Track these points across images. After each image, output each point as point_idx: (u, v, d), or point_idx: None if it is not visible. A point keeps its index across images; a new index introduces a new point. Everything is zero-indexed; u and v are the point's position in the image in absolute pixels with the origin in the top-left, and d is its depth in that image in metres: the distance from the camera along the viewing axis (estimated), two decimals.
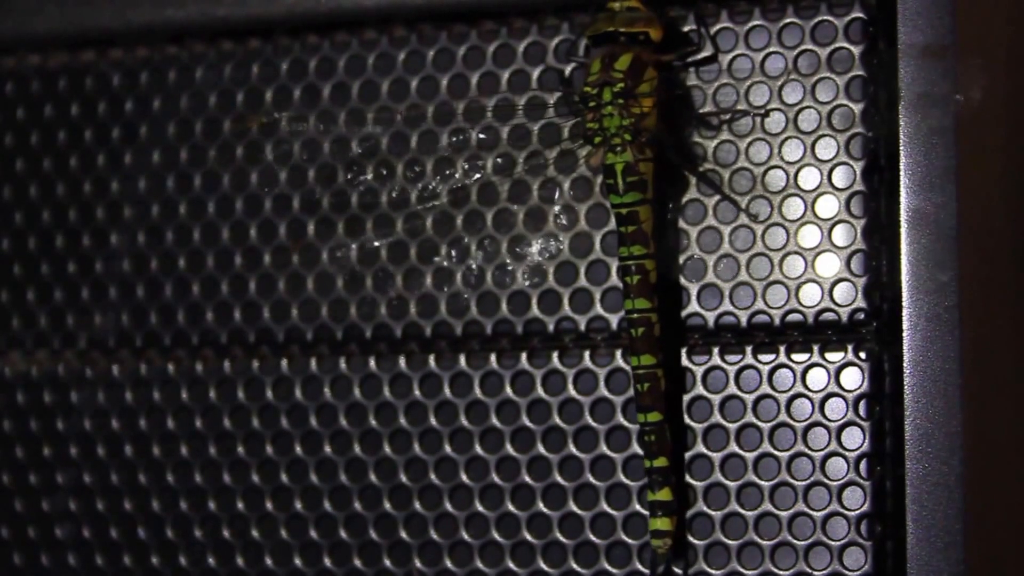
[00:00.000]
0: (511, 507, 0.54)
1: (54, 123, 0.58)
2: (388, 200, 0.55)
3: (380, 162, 0.55)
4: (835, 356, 0.51)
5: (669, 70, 0.52)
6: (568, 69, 0.54)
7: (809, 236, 0.52)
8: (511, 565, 0.54)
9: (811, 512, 0.51)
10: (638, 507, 0.53)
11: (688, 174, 0.52)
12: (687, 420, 0.52)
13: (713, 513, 0.52)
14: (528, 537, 0.54)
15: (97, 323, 0.58)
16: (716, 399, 0.52)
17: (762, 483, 0.52)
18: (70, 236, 0.58)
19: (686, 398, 0.52)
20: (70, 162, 0.58)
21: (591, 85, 0.51)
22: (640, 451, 0.52)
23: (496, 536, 0.54)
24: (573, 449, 0.53)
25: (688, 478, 0.52)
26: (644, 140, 0.51)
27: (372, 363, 0.55)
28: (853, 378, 0.51)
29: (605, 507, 0.53)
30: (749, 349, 0.52)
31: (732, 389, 0.52)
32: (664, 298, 0.52)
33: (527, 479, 0.54)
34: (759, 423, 0.52)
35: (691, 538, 0.52)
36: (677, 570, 0.52)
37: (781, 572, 0.51)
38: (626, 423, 0.53)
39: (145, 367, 0.57)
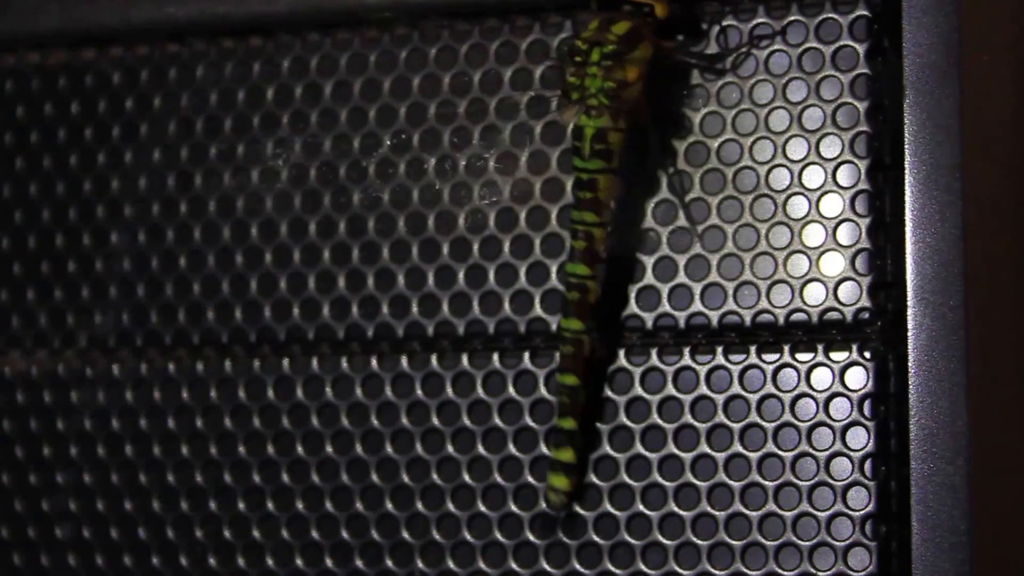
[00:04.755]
0: (513, 507, 0.54)
1: (54, 121, 0.58)
2: (390, 198, 0.55)
3: (382, 160, 0.55)
4: (839, 356, 0.51)
5: (665, 57, 0.51)
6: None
7: (813, 235, 0.51)
8: (513, 566, 0.54)
9: (815, 512, 0.51)
10: (641, 507, 0.53)
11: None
12: (691, 420, 0.52)
13: (717, 514, 0.52)
14: (531, 538, 0.54)
15: (97, 322, 0.58)
16: (720, 399, 0.52)
17: (766, 483, 0.51)
18: (70, 235, 0.58)
19: (689, 398, 0.52)
20: (70, 160, 0.58)
21: (583, 41, 0.50)
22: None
23: (499, 536, 0.54)
24: None
25: (692, 478, 0.52)
26: (621, 108, 0.50)
27: (374, 362, 0.55)
28: (858, 378, 0.51)
29: (608, 507, 0.53)
30: (753, 348, 0.52)
31: (736, 389, 0.52)
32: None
33: (530, 479, 0.54)
34: (763, 423, 0.52)
35: (695, 539, 0.52)
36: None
37: (785, 573, 0.51)
38: (629, 423, 0.53)
39: (145, 367, 0.57)
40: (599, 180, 0.50)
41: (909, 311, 0.50)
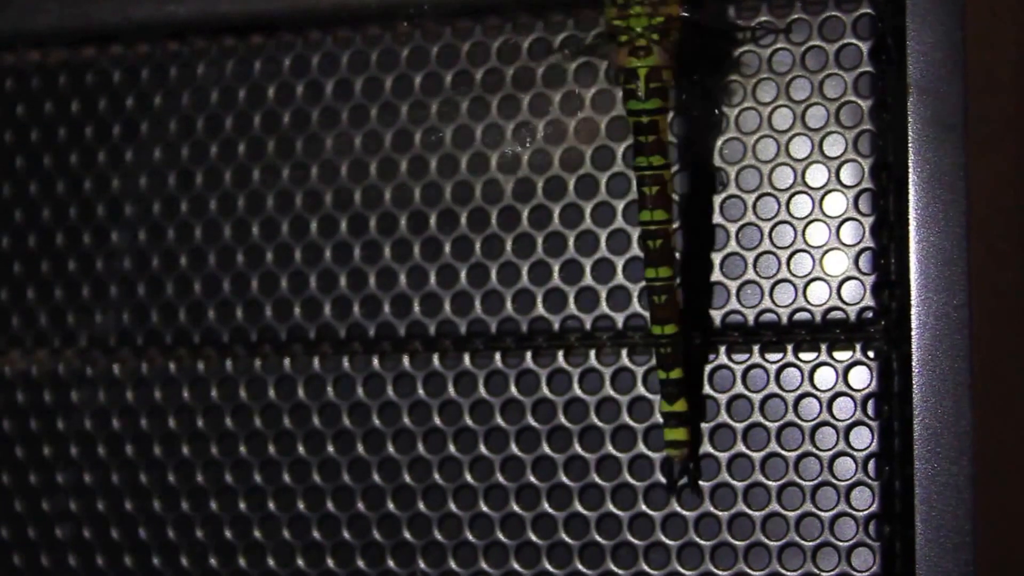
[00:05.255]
0: (516, 507, 0.53)
1: (54, 120, 0.58)
2: (392, 197, 0.55)
3: (383, 159, 0.55)
4: (843, 355, 0.51)
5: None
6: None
7: (817, 234, 0.51)
8: (516, 566, 0.53)
9: (819, 512, 0.51)
10: (644, 507, 0.52)
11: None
12: None
13: (720, 513, 0.52)
14: (533, 538, 0.53)
15: (98, 322, 0.58)
16: (723, 398, 0.52)
17: (770, 483, 0.51)
18: (70, 234, 0.58)
19: None
20: (70, 159, 0.58)
21: None
22: (655, 364, 0.51)
23: (501, 537, 0.54)
24: (579, 449, 0.53)
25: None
26: (670, 45, 0.49)
27: (375, 362, 0.55)
28: (861, 377, 0.51)
29: (611, 508, 0.53)
30: (756, 348, 0.52)
31: (739, 388, 0.52)
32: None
33: (532, 479, 0.53)
34: (766, 423, 0.51)
35: (698, 539, 0.52)
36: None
37: (789, 573, 0.51)
38: (631, 423, 0.53)
39: (146, 366, 0.57)
40: (659, 121, 0.49)
41: (913, 310, 0.49)
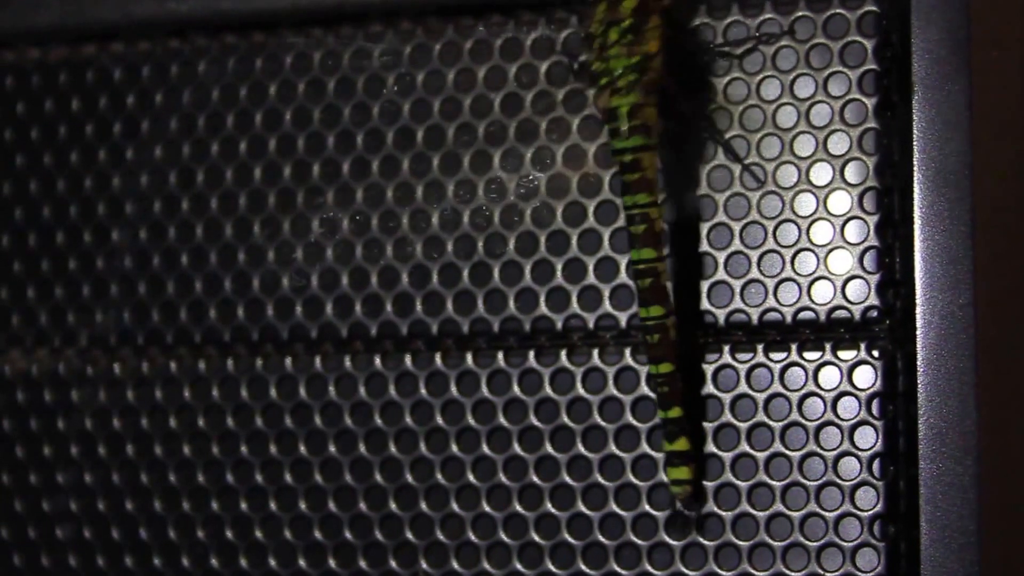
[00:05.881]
0: (518, 507, 0.53)
1: (55, 118, 0.58)
2: (393, 197, 0.55)
3: (385, 158, 0.55)
4: (848, 354, 0.51)
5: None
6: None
7: (821, 232, 0.51)
8: (518, 566, 0.53)
9: (823, 513, 0.51)
10: (647, 507, 0.52)
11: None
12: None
13: (724, 514, 0.51)
14: (536, 538, 0.53)
15: (98, 321, 0.57)
16: (727, 398, 0.52)
17: (774, 483, 0.51)
18: (71, 233, 0.58)
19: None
20: (71, 157, 0.58)
21: (598, 23, 0.50)
22: (654, 401, 0.51)
23: (503, 537, 0.53)
24: (581, 448, 0.53)
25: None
26: (649, 82, 0.49)
27: (377, 361, 0.55)
28: (866, 376, 0.51)
29: (614, 507, 0.53)
30: (760, 347, 0.51)
31: (743, 388, 0.51)
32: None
33: (535, 479, 0.53)
34: (770, 422, 0.51)
35: (702, 539, 0.52)
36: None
37: (793, 573, 0.51)
38: (635, 422, 0.52)
39: (147, 365, 0.57)
40: (643, 158, 0.49)
41: (918, 309, 0.49)
